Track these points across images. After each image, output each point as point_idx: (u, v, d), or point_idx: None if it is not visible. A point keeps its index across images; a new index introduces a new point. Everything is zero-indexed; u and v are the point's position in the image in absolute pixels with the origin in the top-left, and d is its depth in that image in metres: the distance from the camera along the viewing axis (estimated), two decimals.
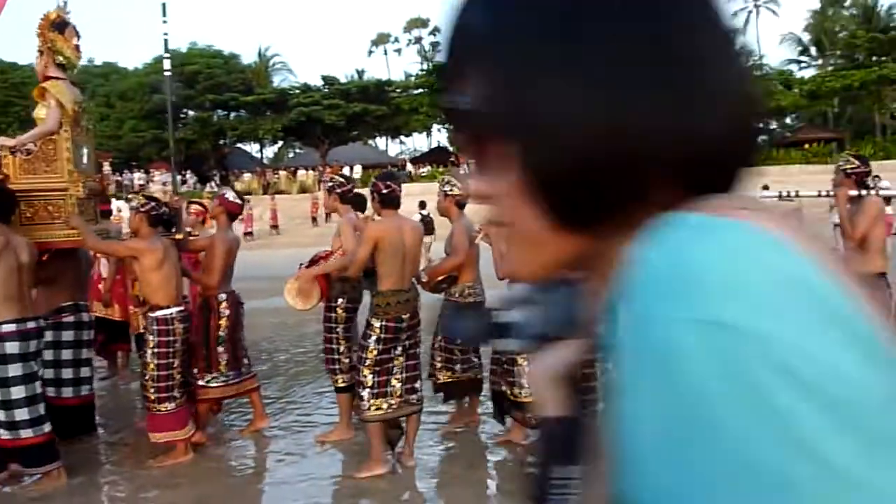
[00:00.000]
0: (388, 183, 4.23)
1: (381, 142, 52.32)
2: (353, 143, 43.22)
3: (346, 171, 35.49)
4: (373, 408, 4.08)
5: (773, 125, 49.12)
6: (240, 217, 5.79)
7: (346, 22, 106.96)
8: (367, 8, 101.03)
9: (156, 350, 4.41)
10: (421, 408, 4.34)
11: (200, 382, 4.75)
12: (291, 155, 51.81)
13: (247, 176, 35.29)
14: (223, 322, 4.75)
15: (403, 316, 4.11)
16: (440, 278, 4.59)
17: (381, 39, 59.19)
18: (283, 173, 39.03)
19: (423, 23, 57.00)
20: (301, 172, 35.37)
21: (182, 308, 4.58)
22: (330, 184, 4.98)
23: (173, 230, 5.19)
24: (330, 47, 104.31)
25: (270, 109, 39.69)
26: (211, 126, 40.79)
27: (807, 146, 37.14)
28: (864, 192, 4.51)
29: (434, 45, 58.04)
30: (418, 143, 68.24)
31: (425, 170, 38.25)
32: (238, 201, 5.10)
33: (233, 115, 42.55)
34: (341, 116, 37.67)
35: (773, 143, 44.78)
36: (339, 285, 4.64)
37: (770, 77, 40.27)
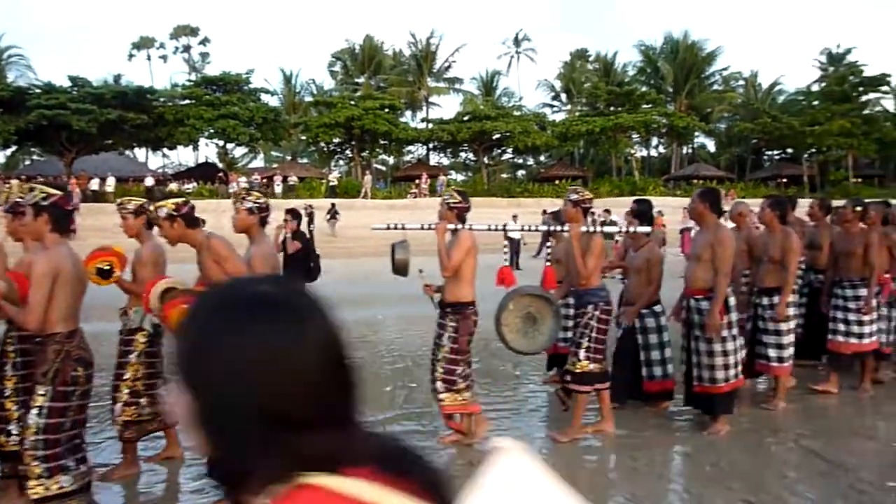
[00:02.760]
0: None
1: (140, 153, 48.10)
2: (106, 152, 39.07)
3: (94, 182, 32.01)
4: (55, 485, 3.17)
5: (530, 162, 53.81)
6: None
7: (102, 19, 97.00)
8: (129, 7, 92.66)
9: None
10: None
11: None
12: (28, 162, 45.53)
13: None
14: None
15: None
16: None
17: (145, 43, 54.61)
18: (14, 182, 33.91)
19: (192, 31, 53.73)
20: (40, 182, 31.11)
21: None
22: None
23: None
24: (81, 45, 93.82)
25: (2, 108, 34.40)
26: None
27: (557, 182, 41.04)
28: (460, 225, 4.71)
29: (204, 55, 55.06)
30: (184, 156, 64.01)
31: (191, 186, 35.79)
32: None
33: None
34: (92, 123, 33.77)
35: (530, 178, 49.08)
36: None
37: (528, 118, 44.09)
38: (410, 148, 47.39)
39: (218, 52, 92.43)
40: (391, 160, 51.44)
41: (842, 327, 5.93)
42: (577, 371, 4.80)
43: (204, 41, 54.82)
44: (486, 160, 45.45)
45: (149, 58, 55.08)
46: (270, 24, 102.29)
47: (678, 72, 49.18)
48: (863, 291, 5.85)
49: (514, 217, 19.38)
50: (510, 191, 38.28)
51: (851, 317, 5.89)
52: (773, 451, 4.66)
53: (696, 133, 47.21)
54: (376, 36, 50.96)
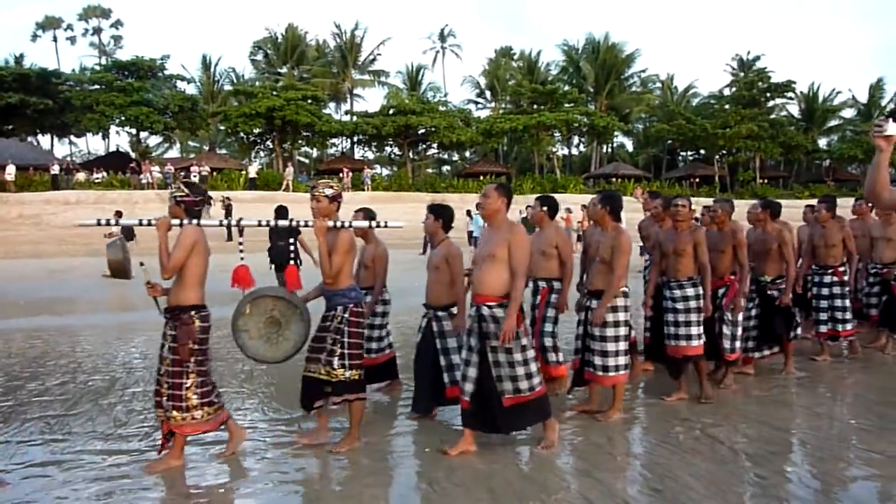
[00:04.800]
0: None
1: (44, 140, 45.46)
2: (6, 138, 36.68)
3: None
4: None
5: (455, 157, 54.06)
6: None
7: None
8: None
9: None
10: None
11: None
12: None
13: None
14: None
15: None
16: None
17: (51, 24, 51.60)
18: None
19: (103, 12, 51.17)
20: None
21: None
22: None
23: None
24: None
25: None
26: None
27: (482, 178, 41.40)
28: (189, 220, 4.18)
29: (116, 38, 52.56)
30: (93, 145, 60.96)
31: (100, 176, 34.08)
32: None
33: None
34: None
35: (454, 174, 49.29)
36: None
37: (453, 114, 44.22)
38: (334, 141, 46.76)
39: (131, 37, 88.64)
40: (314, 153, 50.61)
41: (672, 330, 5.64)
42: (334, 381, 4.37)
43: (116, 24, 52.42)
44: (410, 155, 45.33)
45: (55, 39, 52.19)
46: (188, 8, 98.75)
47: (599, 72, 50.47)
48: (690, 291, 5.54)
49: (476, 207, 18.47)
50: (434, 186, 38.29)
51: (680, 318, 5.56)
52: (681, 440, 4.75)
53: (616, 133, 48.63)
54: (300, 25, 50.04)
